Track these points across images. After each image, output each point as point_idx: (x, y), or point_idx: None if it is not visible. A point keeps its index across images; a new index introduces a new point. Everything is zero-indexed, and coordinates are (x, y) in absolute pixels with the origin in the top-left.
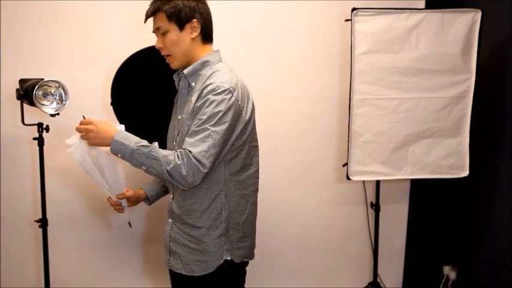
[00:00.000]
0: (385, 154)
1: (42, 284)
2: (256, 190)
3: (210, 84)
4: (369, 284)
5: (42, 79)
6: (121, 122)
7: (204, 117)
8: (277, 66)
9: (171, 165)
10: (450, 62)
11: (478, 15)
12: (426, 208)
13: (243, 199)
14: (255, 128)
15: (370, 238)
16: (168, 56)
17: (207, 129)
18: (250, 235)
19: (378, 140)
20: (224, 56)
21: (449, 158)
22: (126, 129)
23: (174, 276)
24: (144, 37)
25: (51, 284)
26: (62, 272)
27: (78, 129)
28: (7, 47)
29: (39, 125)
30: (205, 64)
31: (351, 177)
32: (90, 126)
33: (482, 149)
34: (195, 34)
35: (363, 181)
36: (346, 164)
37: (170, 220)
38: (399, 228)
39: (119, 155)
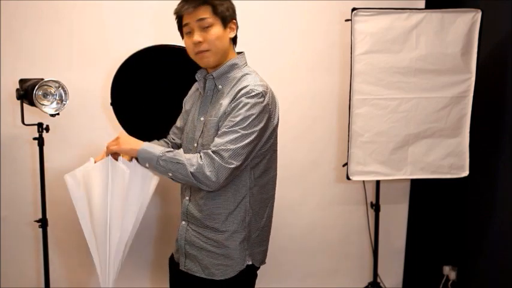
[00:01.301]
0: (385, 154)
1: (42, 284)
2: (275, 192)
3: (245, 87)
4: (369, 284)
5: (42, 79)
6: (121, 122)
7: (237, 119)
8: (277, 66)
9: (195, 167)
10: (450, 62)
11: (478, 15)
12: (426, 208)
13: (263, 203)
14: (277, 133)
15: (370, 238)
16: (206, 51)
17: (237, 131)
18: (267, 239)
19: (377, 140)
20: None
21: (449, 158)
22: (127, 130)
23: (189, 278)
24: (144, 37)
25: (51, 284)
26: (62, 272)
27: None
28: (7, 47)
29: (39, 125)
30: (233, 67)
31: (351, 177)
32: (118, 139)
33: (482, 149)
34: (232, 34)
35: (363, 181)
36: (346, 164)
37: (184, 223)
38: (399, 228)
39: (147, 164)
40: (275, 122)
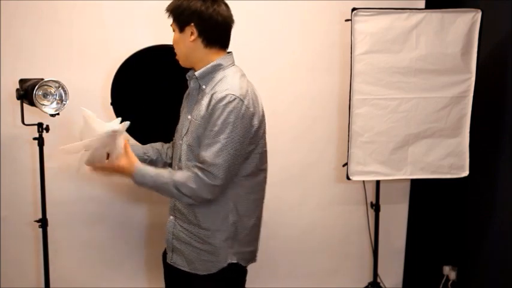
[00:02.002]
0: (385, 154)
1: (42, 284)
2: (264, 193)
3: (219, 92)
4: (369, 284)
5: (42, 79)
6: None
7: (216, 128)
8: (277, 66)
9: (189, 194)
10: (450, 62)
11: (478, 15)
12: (426, 208)
13: (253, 204)
14: (265, 133)
15: (370, 238)
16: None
17: (219, 141)
18: (256, 239)
19: (377, 140)
20: None
21: (449, 158)
22: (127, 130)
23: (175, 272)
24: (145, 37)
25: (51, 284)
26: (62, 272)
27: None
28: (7, 47)
29: (39, 125)
30: (217, 67)
31: (351, 177)
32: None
33: (482, 149)
34: (193, 38)
35: (363, 181)
36: (346, 164)
37: (172, 217)
38: (399, 228)
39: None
40: (257, 122)
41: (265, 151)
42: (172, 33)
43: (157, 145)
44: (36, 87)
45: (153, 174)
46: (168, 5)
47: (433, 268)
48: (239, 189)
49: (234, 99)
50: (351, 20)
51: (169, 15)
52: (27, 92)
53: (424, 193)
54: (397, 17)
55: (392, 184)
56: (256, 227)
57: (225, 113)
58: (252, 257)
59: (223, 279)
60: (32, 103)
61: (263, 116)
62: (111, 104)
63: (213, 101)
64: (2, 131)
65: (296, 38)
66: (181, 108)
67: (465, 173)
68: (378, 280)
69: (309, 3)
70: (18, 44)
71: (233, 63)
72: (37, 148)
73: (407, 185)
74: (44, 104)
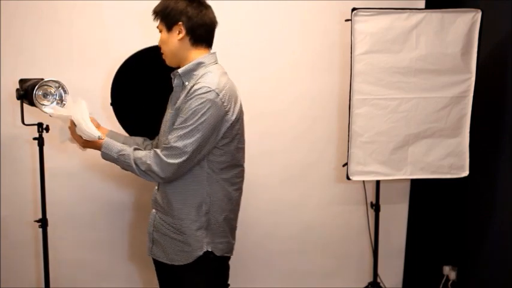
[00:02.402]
0: (385, 154)
1: (42, 284)
2: (240, 189)
3: (196, 84)
4: (369, 284)
5: (42, 79)
6: (121, 122)
7: (186, 115)
8: (277, 66)
9: (144, 167)
10: (450, 62)
11: (478, 15)
12: (426, 208)
13: (226, 197)
14: (243, 130)
15: (370, 238)
16: (163, 53)
17: (185, 127)
18: (230, 232)
19: (378, 140)
20: (224, 56)
21: (449, 158)
22: (127, 130)
23: (158, 265)
24: (144, 37)
25: (51, 284)
26: (62, 272)
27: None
28: (7, 47)
29: (39, 125)
30: (199, 65)
31: (351, 177)
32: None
33: (482, 149)
34: (181, 36)
35: (363, 181)
36: (346, 164)
37: (154, 210)
38: (399, 228)
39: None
40: (233, 118)
41: (242, 148)
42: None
43: (139, 139)
44: (36, 87)
45: (119, 148)
46: (155, 7)
47: (433, 268)
48: (214, 181)
49: (209, 91)
50: (351, 20)
51: (155, 17)
52: (27, 92)
53: (424, 193)
54: (397, 17)
55: (393, 184)
56: (231, 220)
57: (196, 102)
58: (227, 248)
59: (201, 269)
60: (32, 103)
61: (240, 113)
62: (111, 104)
63: (190, 92)
64: (2, 131)
65: (296, 38)
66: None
67: (465, 173)
68: (378, 280)
69: (309, 3)
70: (18, 44)
71: (216, 62)
72: (37, 148)
73: (407, 185)
74: (44, 104)
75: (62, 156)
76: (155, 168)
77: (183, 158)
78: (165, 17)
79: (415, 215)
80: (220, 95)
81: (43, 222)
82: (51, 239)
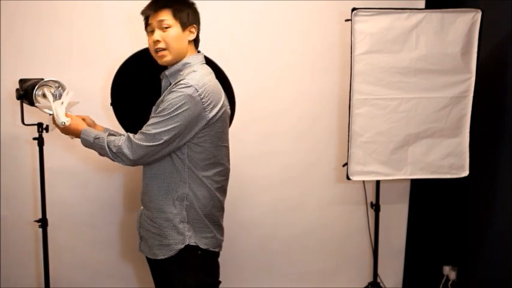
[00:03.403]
0: (385, 154)
1: (42, 284)
2: (222, 188)
3: (181, 80)
4: (369, 284)
5: (42, 79)
6: (121, 123)
7: (163, 106)
8: (277, 66)
9: (116, 148)
10: (450, 62)
11: (478, 15)
12: (426, 208)
13: (208, 194)
14: (226, 129)
15: (370, 238)
16: (163, 50)
17: (161, 116)
18: (215, 228)
19: (378, 140)
20: (224, 56)
21: (449, 158)
22: (127, 130)
23: (148, 261)
24: (144, 37)
25: (51, 284)
26: (62, 272)
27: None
28: (7, 47)
29: (39, 125)
30: (185, 65)
31: (351, 177)
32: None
33: (482, 149)
34: (192, 37)
35: (363, 181)
36: (346, 164)
37: (142, 207)
38: (399, 228)
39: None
40: (211, 115)
41: (225, 147)
42: (158, 30)
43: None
44: (36, 87)
45: (95, 134)
46: (165, 3)
47: (433, 268)
48: (195, 177)
49: (189, 86)
50: (351, 20)
51: (166, 12)
52: (27, 92)
53: (424, 193)
54: (397, 17)
55: (392, 184)
56: (214, 217)
57: (175, 95)
58: (212, 243)
59: (185, 264)
60: (31, 103)
61: (223, 113)
62: (111, 104)
63: (171, 87)
64: (2, 131)
65: (296, 38)
66: None
67: (465, 173)
68: (378, 280)
69: (309, 3)
70: (18, 44)
71: (202, 62)
72: (37, 148)
73: (407, 185)
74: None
75: (62, 156)
76: (125, 150)
77: (154, 143)
78: (183, 17)
79: (415, 215)
80: (199, 91)
81: (43, 222)
82: (51, 239)
